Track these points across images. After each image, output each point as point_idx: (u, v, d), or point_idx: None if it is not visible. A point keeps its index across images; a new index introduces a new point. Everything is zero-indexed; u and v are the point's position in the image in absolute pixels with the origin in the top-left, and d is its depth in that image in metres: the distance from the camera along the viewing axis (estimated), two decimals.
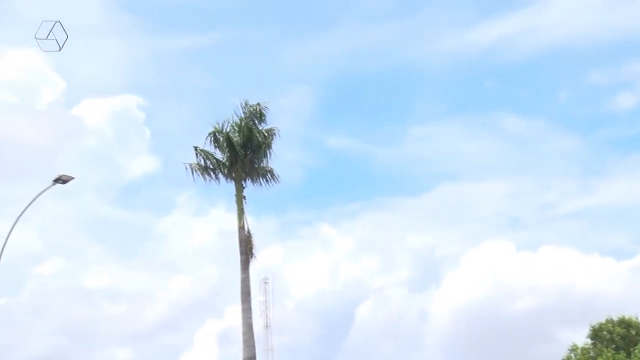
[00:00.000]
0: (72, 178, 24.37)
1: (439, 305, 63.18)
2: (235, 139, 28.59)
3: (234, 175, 28.71)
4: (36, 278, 61.50)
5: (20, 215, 23.96)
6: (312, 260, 70.42)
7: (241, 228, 28.22)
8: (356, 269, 70.28)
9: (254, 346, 27.74)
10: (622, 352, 37.80)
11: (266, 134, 28.96)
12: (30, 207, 24.20)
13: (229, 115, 29.03)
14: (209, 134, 28.72)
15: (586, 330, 40.88)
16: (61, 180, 24.08)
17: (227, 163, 28.67)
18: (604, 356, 37.66)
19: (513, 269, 62.41)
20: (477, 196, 79.31)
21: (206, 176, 28.91)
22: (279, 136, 29.36)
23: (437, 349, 59.81)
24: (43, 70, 63.92)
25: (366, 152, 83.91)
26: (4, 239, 23.74)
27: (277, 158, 30.05)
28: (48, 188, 24.12)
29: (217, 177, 29.00)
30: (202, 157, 28.84)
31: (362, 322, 63.36)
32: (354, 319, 63.94)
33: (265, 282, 55.54)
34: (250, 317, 27.91)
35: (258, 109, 29.10)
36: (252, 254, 28.14)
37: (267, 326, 54.98)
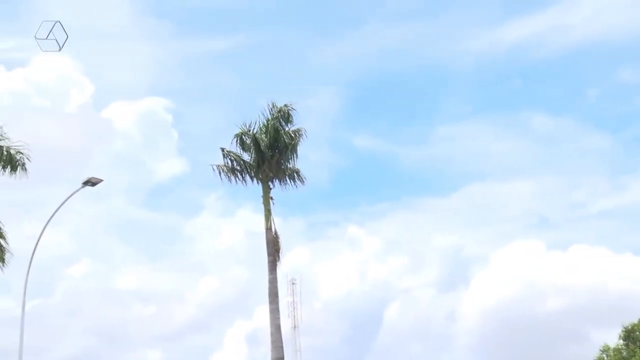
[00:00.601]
0: (101, 180, 24.57)
1: (467, 306, 62.79)
2: (262, 140, 28.66)
3: (260, 176, 28.79)
4: (68, 279, 62.25)
5: (51, 217, 24.25)
6: (339, 260, 70.40)
7: (268, 229, 28.29)
8: (384, 270, 70.14)
9: (282, 347, 27.78)
10: None
11: (293, 135, 28.99)
12: (61, 209, 24.48)
13: (256, 116, 29.17)
14: (236, 136, 28.84)
15: (618, 331, 40.31)
16: (90, 182, 24.30)
17: (254, 164, 28.74)
18: (637, 357, 37.15)
19: (543, 268, 61.75)
20: (505, 196, 78.71)
21: (233, 177, 29.03)
22: (306, 137, 29.43)
23: (466, 349, 59.47)
24: (72, 74, 64.70)
25: (393, 152, 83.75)
26: (36, 241, 24.03)
27: (304, 159, 30.18)
28: (77, 190, 24.37)
29: (244, 179, 29.11)
30: (229, 159, 28.96)
31: (390, 323, 63.22)
32: (383, 320, 63.83)
33: (293, 283, 55.74)
34: (278, 318, 27.95)
35: (285, 110, 29.14)
36: (279, 255, 28.20)
37: (295, 327, 55.16)
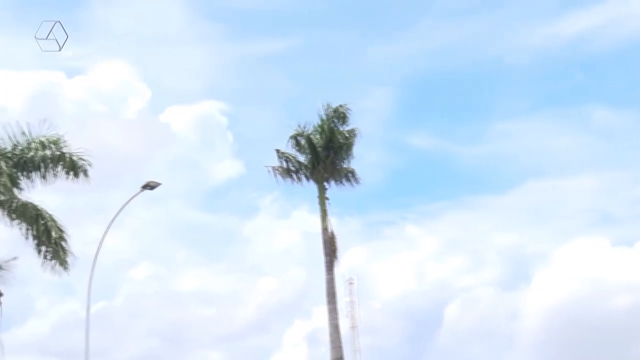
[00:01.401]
0: (160, 184, 25.00)
1: (530, 305, 61.63)
2: (317, 140, 28.77)
3: (316, 177, 28.90)
4: (130, 282, 63.53)
5: (112, 221, 24.77)
6: (397, 260, 70.07)
7: (324, 229, 28.37)
8: (443, 269, 69.50)
9: (341, 347, 27.83)
10: None
11: (348, 135, 29.03)
12: (121, 213, 24.99)
13: (311, 118, 29.32)
14: (291, 137, 29.00)
15: None
16: (149, 186, 24.72)
17: (309, 165, 28.87)
18: None
19: (608, 265, 60.17)
20: (566, 192, 76.98)
21: (289, 178, 29.23)
22: (361, 137, 29.47)
23: (529, 349, 58.40)
24: (130, 80, 66.08)
25: (449, 150, 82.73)
26: (98, 245, 24.58)
27: (359, 159, 30.21)
28: (137, 194, 24.82)
29: (299, 179, 29.28)
30: (284, 160, 29.15)
31: (450, 322, 62.56)
32: (443, 319, 63.20)
33: (350, 283, 55.69)
34: (336, 318, 28.01)
35: (340, 111, 29.21)
36: (336, 255, 28.25)
37: (353, 327, 55.12)
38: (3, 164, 19.88)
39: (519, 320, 62.53)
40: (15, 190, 20.36)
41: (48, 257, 20.51)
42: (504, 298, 66.00)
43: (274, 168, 29.19)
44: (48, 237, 20.42)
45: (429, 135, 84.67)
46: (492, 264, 70.75)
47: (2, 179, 19.64)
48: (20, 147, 21.02)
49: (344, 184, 29.40)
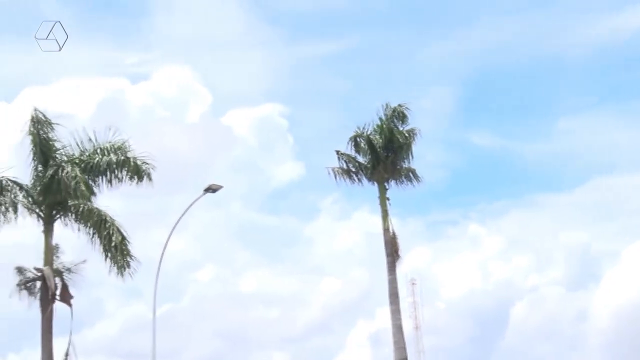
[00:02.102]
0: (221, 187, 25.20)
1: (599, 304, 60.06)
2: (376, 141, 28.71)
3: (376, 177, 28.82)
4: (194, 284, 64.38)
5: (176, 224, 25.07)
6: (460, 260, 69.09)
7: (386, 230, 28.28)
8: (507, 268, 68.29)
9: (404, 347, 27.69)
10: None
11: (407, 135, 28.88)
12: (184, 216, 25.28)
13: (369, 118, 29.27)
14: (351, 138, 28.98)
15: None
16: (211, 189, 24.96)
17: (369, 165, 28.81)
18: None
19: None
20: (634, 188, 74.51)
21: (349, 179, 29.23)
22: (421, 136, 29.29)
23: (598, 349, 56.93)
24: (192, 85, 67.05)
25: (511, 148, 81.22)
26: (163, 248, 24.92)
27: (420, 159, 30.06)
28: (199, 198, 25.09)
29: (359, 180, 29.25)
30: (344, 161, 29.15)
31: (517, 322, 61.37)
32: (509, 319, 62.10)
33: (413, 284, 55.34)
34: (399, 319, 27.87)
35: (399, 110, 29.09)
36: (398, 256, 28.12)
37: (417, 327, 54.73)
38: (78, 171, 20.42)
39: (587, 320, 61.09)
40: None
41: (112, 262, 20.99)
42: (572, 298, 64.51)
43: (334, 169, 29.25)
44: (110, 242, 20.88)
45: (491, 134, 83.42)
46: (558, 263, 69.19)
47: (81, 186, 20.16)
48: (87, 153, 21.65)
49: (404, 184, 29.28)
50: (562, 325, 61.71)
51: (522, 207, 77.52)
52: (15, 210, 20.67)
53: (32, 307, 20.69)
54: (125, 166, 21.47)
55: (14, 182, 21.05)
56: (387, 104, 29.25)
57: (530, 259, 69.71)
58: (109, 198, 22.01)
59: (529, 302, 63.88)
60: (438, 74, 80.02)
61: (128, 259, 20.93)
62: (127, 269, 20.94)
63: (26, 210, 20.93)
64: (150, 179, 21.64)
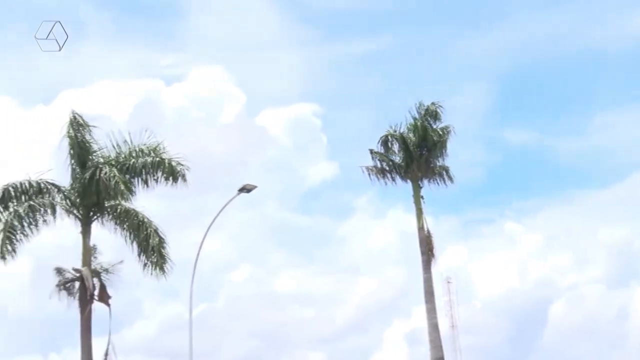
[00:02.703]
0: (256, 187, 25.25)
1: None
2: (410, 139, 28.62)
3: (410, 175, 28.71)
4: (230, 284, 64.71)
5: (210, 225, 25.16)
6: (497, 258, 68.41)
7: (420, 228, 28.17)
8: (545, 267, 67.31)
9: (441, 346, 27.56)
10: None
11: (441, 133, 28.78)
12: (219, 216, 25.39)
13: (403, 117, 29.21)
14: (384, 137, 28.93)
15: None
16: (245, 189, 25.03)
17: (402, 164, 28.73)
18: None
19: None
20: None
21: (383, 178, 29.18)
22: (455, 134, 29.17)
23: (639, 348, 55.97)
24: (226, 85, 67.41)
25: (548, 144, 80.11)
26: (198, 248, 25.07)
27: (454, 156, 29.94)
28: (234, 198, 25.17)
29: (393, 179, 29.17)
30: (378, 160, 29.11)
31: (556, 321, 60.52)
32: (547, 318, 61.31)
33: (449, 282, 54.88)
34: (435, 317, 27.76)
35: (432, 109, 29.01)
36: (433, 254, 27.99)
37: (453, 326, 54.31)
38: (116, 171, 20.69)
39: (629, 318, 60.06)
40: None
41: (148, 263, 21.23)
42: (612, 296, 63.35)
43: (368, 168, 29.22)
44: (148, 244, 21.12)
45: (526, 130, 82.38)
46: (598, 261, 68.04)
47: (120, 186, 20.42)
48: (123, 155, 21.91)
49: (438, 183, 29.14)
50: (603, 324, 60.72)
51: (559, 204, 76.46)
52: (54, 212, 21.00)
53: (71, 308, 21.00)
54: (160, 167, 21.69)
55: (52, 185, 21.36)
56: (420, 103, 29.22)
57: (568, 257, 68.64)
58: (145, 199, 22.25)
59: (568, 301, 63.01)
60: (472, 71, 79.35)
61: (164, 260, 21.15)
62: (164, 271, 21.17)
63: (64, 211, 21.25)
64: (185, 179, 21.81)
